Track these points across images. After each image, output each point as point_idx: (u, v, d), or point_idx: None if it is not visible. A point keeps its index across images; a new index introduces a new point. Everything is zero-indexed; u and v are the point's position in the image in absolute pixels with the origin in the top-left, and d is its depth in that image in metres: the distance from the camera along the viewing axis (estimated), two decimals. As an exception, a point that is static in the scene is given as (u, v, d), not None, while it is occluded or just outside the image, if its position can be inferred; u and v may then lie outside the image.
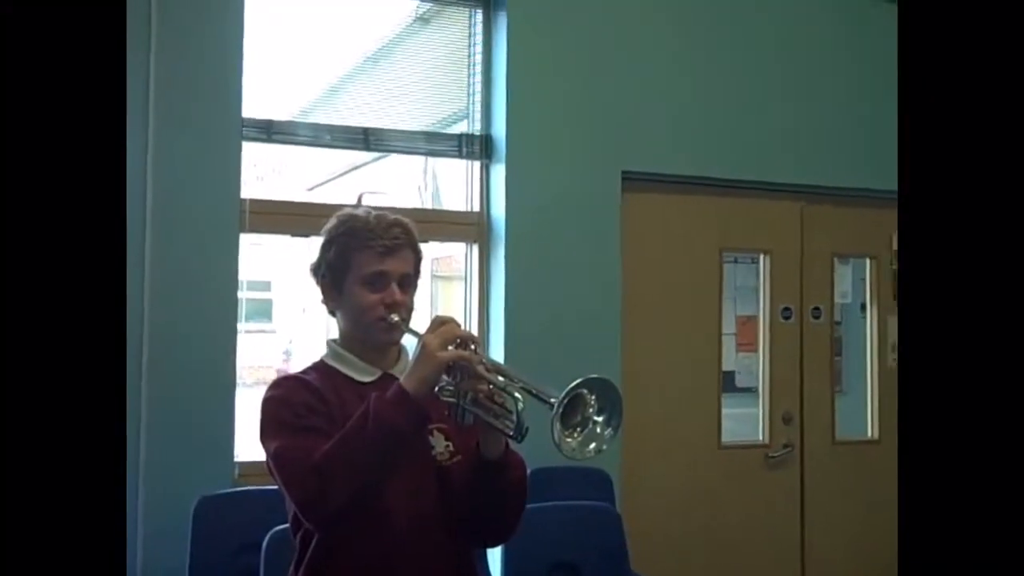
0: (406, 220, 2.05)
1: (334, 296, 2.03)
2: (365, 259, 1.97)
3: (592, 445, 1.75)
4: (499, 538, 2.26)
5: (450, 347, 1.83)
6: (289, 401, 1.93)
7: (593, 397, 1.74)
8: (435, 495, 1.96)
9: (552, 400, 1.69)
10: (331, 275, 2.02)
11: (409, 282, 2.03)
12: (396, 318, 1.97)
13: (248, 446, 3.53)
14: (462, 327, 1.91)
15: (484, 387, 1.83)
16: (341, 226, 2.02)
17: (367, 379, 2.00)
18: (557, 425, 1.69)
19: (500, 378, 1.83)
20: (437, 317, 1.89)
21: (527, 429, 1.78)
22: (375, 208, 2.09)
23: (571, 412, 1.72)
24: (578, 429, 1.74)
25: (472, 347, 1.86)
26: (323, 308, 2.10)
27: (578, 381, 1.70)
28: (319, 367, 2.05)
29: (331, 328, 2.13)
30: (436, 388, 1.85)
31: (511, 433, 1.81)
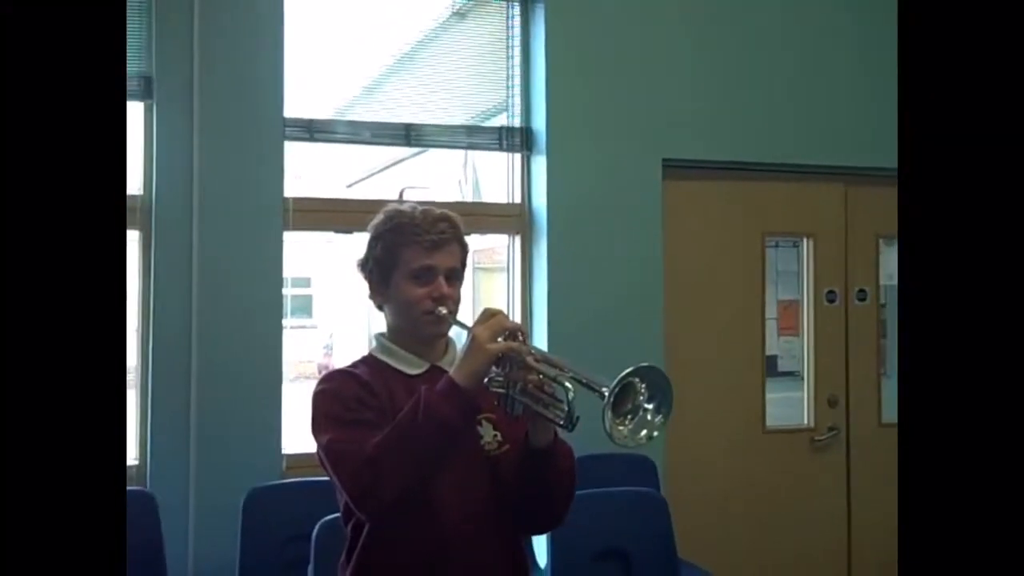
0: (452, 214, 2.07)
1: (382, 291, 2.06)
2: (412, 254, 2.00)
3: (643, 432, 1.77)
4: (548, 526, 2.29)
5: (499, 339, 1.86)
6: (340, 395, 1.96)
7: (643, 385, 1.76)
8: (484, 484, 1.99)
9: (603, 389, 1.71)
10: (379, 270, 2.04)
11: (456, 276, 2.05)
12: (444, 311, 2.00)
13: (294, 439, 3.59)
14: (510, 319, 1.94)
15: (534, 377, 1.86)
16: (388, 222, 2.05)
17: (416, 372, 2.03)
18: (608, 414, 1.71)
19: (550, 368, 1.85)
20: (487, 310, 1.92)
21: (578, 418, 1.80)
22: (421, 203, 2.11)
23: (622, 400, 1.74)
24: (629, 417, 1.76)
25: (521, 338, 1.89)
26: (369, 303, 2.13)
27: (629, 370, 1.72)
28: (368, 360, 2.08)
29: (373, 322, 2.16)
30: (486, 379, 1.88)
31: (562, 422, 1.83)
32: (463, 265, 2.09)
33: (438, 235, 2.01)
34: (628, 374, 1.72)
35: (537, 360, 1.87)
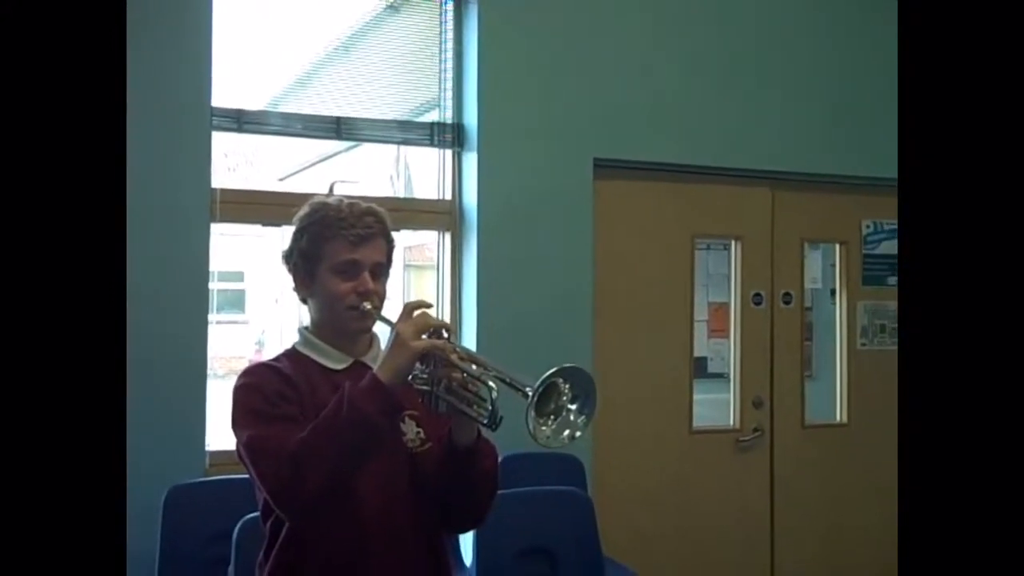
0: (379, 209, 2.05)
1: (306, 284, 2.03)
2: (337, 248, 1.98)
3: (566, 432, 1.77)
4: (470, 524, 2.28)
5: (424, 336, 1.84)
6: (261, 389, 1.92)
7: (567, 386, 1.76)
8: (406, 482, 1.97)
9: (527, 389, 1.70)
10: (303, 263, 2.02)
11: (381, 271, 2.03)
12: (368, 306, 1.98)
13: (219, 436, 3.54)
14: (434, 314, 1.92)
15: (458, 375, 1.85)
16: (313, 214, 2.02)
17: (339, 367, 2.01)
18: (532, 414, 1.71)
19: (474, 367, 1.84)
20: (408, 303, 1.89)
21: (501, 418, 1.79)
22: (347, 197, 2.09)
23: (545, 400, 1.74)
24: (552, 417, 1.76)
25: (446, 335, 1.87)
26: (295, 296, 2.10)
27: (552, 371, 1.72)
28: (290, 354, 2.05)
29: (304, 317, 2.14)
30: (410, 377, 1.86)
31: (485, 421, 1.82)
32: (389, 260, 2.07)
33: (364, 229, 1.99)
34: (552, 375, 1.72)
35: (461, 358, 1.86)
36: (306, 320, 2.11)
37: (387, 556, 1.92)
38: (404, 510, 1.96)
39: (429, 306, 1.91)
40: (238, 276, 12.52)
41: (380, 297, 2.01)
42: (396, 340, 1.84)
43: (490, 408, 1.81)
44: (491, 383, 1.79)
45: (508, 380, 1.76)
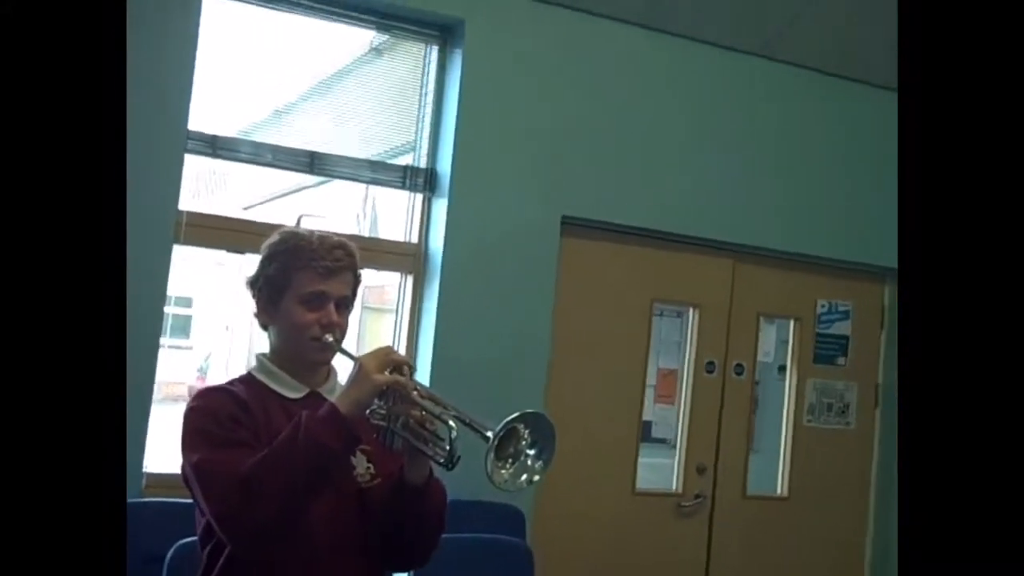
0: (349, 243, 2.07)
1: (270, 311, 2.04)
2: (306, 278, 1.99)
3: (523, 477, 1.79)
4: (413, 564, 2.28)
5: (387, 371, 1.86)
6: (214, 413, 1.92)
7: (527, 431, 1.78)
8: (354, 516, 1.97)
9: (488, 432, 1.72)
10: (269, 290, 2.03)
11: (346, 304, 2.05)
12: (331, 338, 1.99)
13: (156, 458, 3.50)
14: (398, 352, 1.94)
15: (417, 413, 1.86)
16: (284, 243, 2.04)
17: (295, 395, 2.01)
18: (491, 456, 1.72)
19: (433, 405, 1.85)
20: (380, 348, 1.92)
21: (459, 458, 1.80)
22: (318, 230, 2.11)
23: (504, 444, 1.76)
24: (510, 461, 1.78)
25: (408, 372, 1.89)
26: (248, 325, 2.11)
27: (515, 415, 1.74)
28: (246, 380, 2.05)
29: (254, 347, 2.14)
30: (367, 411, 1.87)
31: (442, 461, 1.83)
32: (354, 295, 2.09)
33: (334, 262, 2.01)
34: (514, 419, 1.74)
35: (422, 396, 1.88)
36: (261, 348, 2.12)
37: None
38: (350, 543, 1.95)
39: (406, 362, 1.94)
40: (187, 302, 12.42)
41: (342, 330, 2.03)
42: (359, 373, 1.85)
43: (448, 448, 1.82)
44: (451, 423, 1.80)
45: (468, 421, 1.78)
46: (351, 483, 1.98)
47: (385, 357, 1.87)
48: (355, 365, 1.88)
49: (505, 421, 1.73)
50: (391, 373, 1.86)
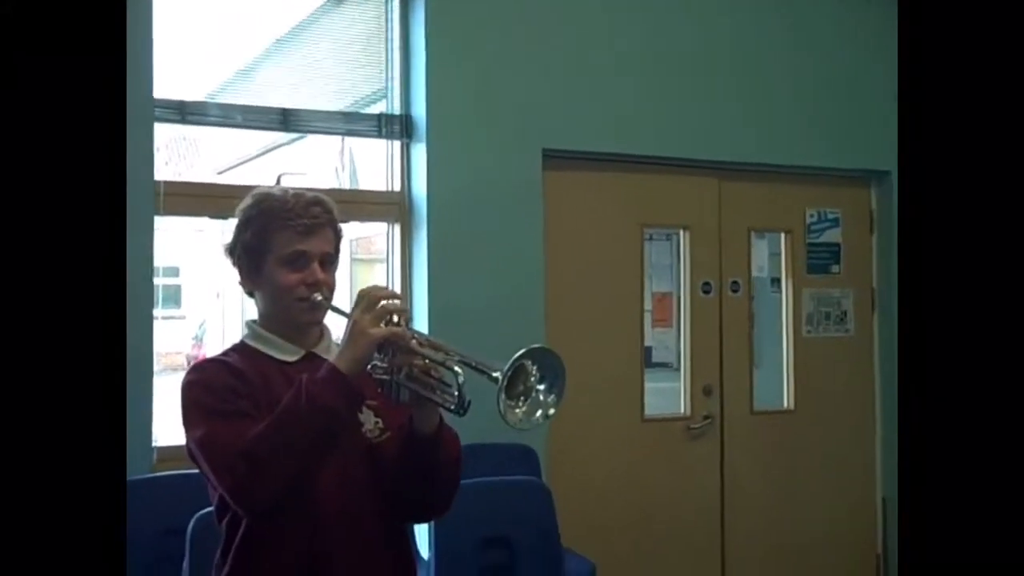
0: (325, 198, 2.01)
1: (252, 277, 1.99)
2: (285, 239, 1.93)
3: (538, 413, 1.75)
4: (433, 514, 2.25)
5: (382, 324, 1.81)
6: (212, 385, 1.88)
7: (535, 367, 1.74)
8: (365, 473, 1.94)
9: (496, 373, 1.68)
10: (249, 256, 1.97)
11: (330, 261, 2.00)
12: (319, 297, 1.94)
13: (163, 432, 3.48)
14: (391, 299, 1.85)
15: (420, 362, 1.81)
16: (258, 205, 1.98)
17: (291, 359, 1.97)
18: (502, 397, 1.68)
19: (435, 352, 1.81)
20: (363, 290, 1.84)
21: (469, 402, 1.77)
22: (292, 187, 2.04)
23: (513, 383, 1.72)
24: (521, 399, 1.74)
25: (403, 321, 1.84)
26: (239, 290, 2.05)
27: (520, 352, 1.70)
28: (239, 348, 2.01)
29: (246, 312, 2.09)
30: (368, 367, 1.83)
31: (452, 407, 1.79)
32: (337, 251, 2.03)
33: (311, 219, 1.95)
34: (520, 356, 1.70)
35: (421, 344, 1.83)
36: (252, 314, 2.07)
37: (349, 550, 1.89)
38: (365, 503, 1.92)
39: (393, 294, 1.88)
40: (174, 271, 12.35)
41: (330, 288, 1.98)
42: (353, 329, 1.80)
43: (456, 393, 1.78)
44: (457, 368, 1.76)
45: (474, 364, 1.74)
46: (361, 440, 1.95)
47: (379, 309, 1.82)
48: (348, 322, 1.83)
49: (512, 360, 1.69)
50: (387, 325, 1.82)
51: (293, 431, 1.75)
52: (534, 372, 1.74)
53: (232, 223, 2.04)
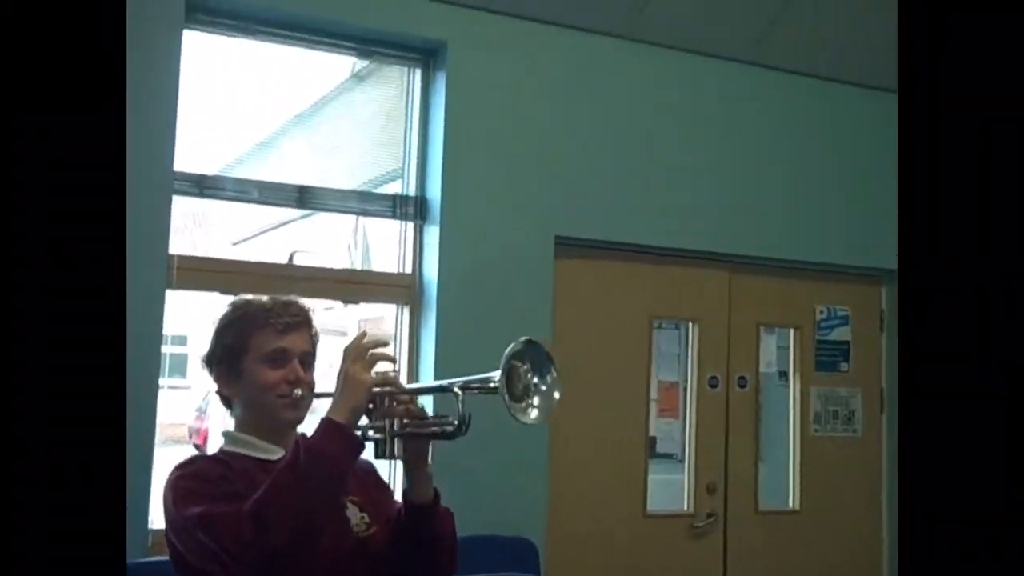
0: (301, 300, 2.06)
1: (231, 382, 2.00)
2: (265, 337, 1.96)
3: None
4: None
5: (373, 372, 1.84)
6: (206, 474, 1.88)
7: (526, 365, 1.80)
8: (358, 568, 1.93)
9: (494, 384, 1.74)
10: (228, 359, 1.99)
11: (309, 361, 2.02)
12: (300, 392, 1.96)
13: (159, 512, 3.40)
14: (375, 343, 1.88)
15: (414, 408, 1.88)
16: (236, 311, 2.02)
17: (272, 457, 1.95)
18: (507, 399, 1.74)
19: (426, 388, 1.93)
20: (348, 345, 1.86)
21: (470, 416, 1.81)
22: (267, 295, 2.10)
23: (512, 386, 1.77)
24: (527, 398, 1.80)
25: (392, 367, 1.90)
26: (218, 400, 2.07)
27: (506, 352, 1.76)
28: (218, 455, 2.01)
29: (227, 423, 2.10)
30: (359, 432, 1.85)
31: (452, 428, 1.83)
32: (314, 352, 2.05)
33: (291, 317, 1.99)
34: (508, 357, 1.75)
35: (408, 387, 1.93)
36: (229, 426, 2.07)
37: None
38: None
39: (379, 342, 1.89)
40: (182, 340, 12.33)
41: (310, 387, 2.00)
42: (347, 379, 1.81)
43: (458, 414, 1.82)
44: (456, 390, 1.81)
45: (469, 384, 1.80)
46: (349, 535, 1.94)
47: (368, 357, 1.83)
48: (340, 374, 1.84)
49: (502, 365, 1.74)
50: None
51: (294, 486, 1.74)
52: (526, 368, 1.80)
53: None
